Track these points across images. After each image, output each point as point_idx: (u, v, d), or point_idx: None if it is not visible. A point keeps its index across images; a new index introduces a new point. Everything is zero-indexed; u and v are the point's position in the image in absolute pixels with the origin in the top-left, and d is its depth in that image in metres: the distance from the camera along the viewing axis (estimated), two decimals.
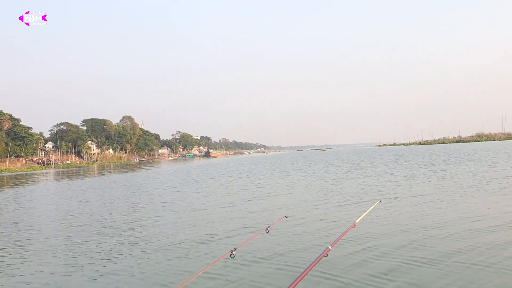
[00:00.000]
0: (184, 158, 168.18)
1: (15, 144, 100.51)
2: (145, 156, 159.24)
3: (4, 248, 9.52)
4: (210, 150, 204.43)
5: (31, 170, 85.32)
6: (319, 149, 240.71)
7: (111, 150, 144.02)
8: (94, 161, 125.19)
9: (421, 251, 7.16)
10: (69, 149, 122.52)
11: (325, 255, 3.23)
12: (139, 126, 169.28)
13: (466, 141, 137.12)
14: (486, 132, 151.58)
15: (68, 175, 51.32)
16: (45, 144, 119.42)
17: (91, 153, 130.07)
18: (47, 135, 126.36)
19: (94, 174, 52.52)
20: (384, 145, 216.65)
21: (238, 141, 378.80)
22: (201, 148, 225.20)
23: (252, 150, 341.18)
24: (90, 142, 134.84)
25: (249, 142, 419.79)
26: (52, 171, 77.38)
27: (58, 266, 7.64)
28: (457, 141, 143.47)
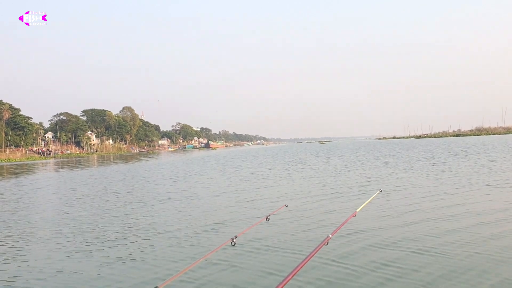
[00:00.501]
0: (184, 149, 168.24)
1: (15, 134, 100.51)
2: (145, 147, 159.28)
3: (12, 236, 9.56)
4: (210, 142, 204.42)
5: (30, 160, 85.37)
6: (319, 141, 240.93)
7: (111, 141, 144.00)
8: (94, 151, 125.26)
9: (420, 240, 7.20)
10: (69, 140, 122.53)
11: (326, 243, 3.24)
12: (139, 117, 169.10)
13: (466, 135, 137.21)
14: (485, 126, 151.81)
15: (69, 165, 51.38)
16: (45, 134, 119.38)
17: (91, 144, 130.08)
18: (47, 125, 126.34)
19: (94, 164, 52.59)
20: (384, 138, 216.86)
21: (238, 133, 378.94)
22: (201, 139, 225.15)
23: (252, 142, 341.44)
24: (90, 132, 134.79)
25: (249, 134, 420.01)
26: (52, 161, 77.46)
27: (66, 253, 7.70)
28: (457, 135, 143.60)
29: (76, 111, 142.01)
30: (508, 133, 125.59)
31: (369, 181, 16.95)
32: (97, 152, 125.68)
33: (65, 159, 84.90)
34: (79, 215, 11.92)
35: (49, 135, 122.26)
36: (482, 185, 14.17)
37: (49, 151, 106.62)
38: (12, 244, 8.70)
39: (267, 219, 4.84)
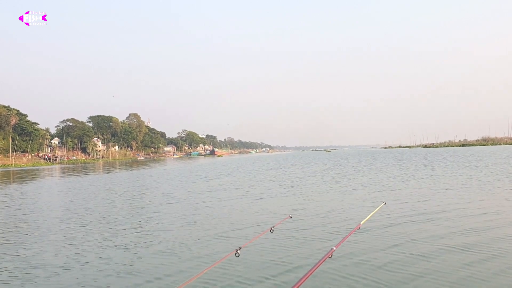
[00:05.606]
0: (189, 156, 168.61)
1: (22, 140, 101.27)
2: (151, 154, 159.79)
3: (24, 236, 9.61)
4: (215, 149, 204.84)
5: (37, 166, 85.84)
6: (324, 150, 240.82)
7: (117, 147, 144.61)
8: (99, 157, 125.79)
9: (424, 253, 7.16)
10: (75, 145, 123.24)
11: (330, 255, 3.24)
12: (145, 123, 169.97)
13: (472, 145, 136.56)
14: (492, 136, 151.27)
15: (75, 171, 51.60)
16: (51, 140, 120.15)
17: (96, 150, 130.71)
18: (53, 131, 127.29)
19: (100, 171, 52.78)
20: (390, 147, 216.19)
21: (243, 140, 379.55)
22: (206, 146, 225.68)
23: (257, 150, 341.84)
24: (96, 138, 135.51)
25: (254, 141, 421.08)
26: (58, 166, 77.83)
27: (71, 258, 7.73)
28: (463, 145, 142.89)
29: (83, 117, 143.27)
30: None
31: (373, 193, 16.89)
32: (103, 158, 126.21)
33: (71, 165, 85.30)
34: (81, 222, 11.96)
35: (56, 141, 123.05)
36: (488, 195, 14.08)
37: (55, 157, 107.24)
38: (23, 243, 8.76)
39: (271, 231, 4.83)
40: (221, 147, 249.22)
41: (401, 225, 9.83)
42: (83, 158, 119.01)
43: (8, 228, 11.65)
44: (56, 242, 9.44)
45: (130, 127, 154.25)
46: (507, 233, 8.58)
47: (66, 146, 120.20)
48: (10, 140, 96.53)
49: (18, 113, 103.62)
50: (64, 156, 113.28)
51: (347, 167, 38.91)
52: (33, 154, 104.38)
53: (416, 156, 60.95)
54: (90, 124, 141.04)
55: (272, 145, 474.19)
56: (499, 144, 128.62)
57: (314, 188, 19.52)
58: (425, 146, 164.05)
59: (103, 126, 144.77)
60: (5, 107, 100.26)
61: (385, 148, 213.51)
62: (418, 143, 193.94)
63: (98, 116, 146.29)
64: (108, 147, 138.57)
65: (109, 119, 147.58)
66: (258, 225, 10.62)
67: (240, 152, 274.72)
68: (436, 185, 18.76)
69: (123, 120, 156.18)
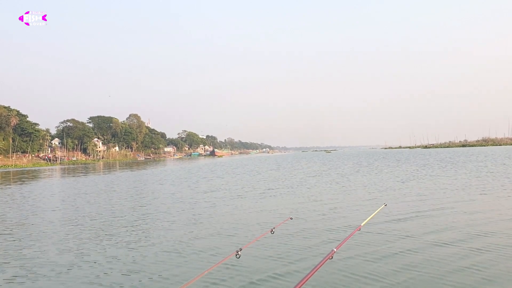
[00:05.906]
0: (189, 157, 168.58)
1: (22, 140, 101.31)
2: (151, 154, 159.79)
3: (27, 236, 9.63)
4: (216, 150, 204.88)
5: (37, 166, 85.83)
6: (325, 150, 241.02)
7: (117, 148, 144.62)
8: (100, 158, 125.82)
9: (425, 256, 7.17)
10: (75, 146, 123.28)
11: (330, 257, 3.25)
12: (146, 124, 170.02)
13: (472, 145, 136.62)
14: (492, 136, 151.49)
15: (75, 172, 51.60)
16: (51, 140, 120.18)
17: (97, 150, 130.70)
18: (53, 131, 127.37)
19: (101, 171, 52.79)
20: (390, 147, 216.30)
21: (243, 141, 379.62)
22: (206, 147, 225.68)
23: (257, 151, 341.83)
24: (96, 139, 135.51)
25: (254, 142, 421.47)
26: (58, 167, 77.80)
27: (74, 257, 7.74)
28: (463, 145, 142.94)
29: (83, 118, 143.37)
30: None
31: (374, 194, 16.88)
32: (103, 159, 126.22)
33: (71, 166, 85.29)
34: (80, 224, 11.97)
35: (56, 141, 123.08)
36: (491, 197, 14.09)
37: (56, 158, 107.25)
38: (26, 242, 8.78)
39: (272, 232, 4.84)
40: (221, 148, 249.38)
41: (402, 226, 9.83)
42: (84, 159, 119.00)
43: (11, 227, 11.68)
44: (58, 241, 9.47)
45: (130, 128, 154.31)
46: (506, 231, 8.60)
47: (66, 146, 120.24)
48: (11, 141, 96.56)
49: (18, 113, 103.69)
50: (64, 156, 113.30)
51: (347, 167, 38.93)
52: (33, 155, 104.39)
53: (416, 157, 60.96)
54: (91, 125, 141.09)
55: (272, 146, 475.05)
56: (499, 145, 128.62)
57: (315, 189, 19.53)
58: (425, 147, 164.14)
59: (103, 126, 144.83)
60: (5, 107, 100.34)
61: (385, 148, 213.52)
62: (418, 143, 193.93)
63: (98, 116, 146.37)
64: (108, 148, 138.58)
65: (109, 119, 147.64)
66: (258, 226, 10.63)
67: (240, 153, 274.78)
68: (436, 185, 18.77)
69: (123, 121, 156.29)
